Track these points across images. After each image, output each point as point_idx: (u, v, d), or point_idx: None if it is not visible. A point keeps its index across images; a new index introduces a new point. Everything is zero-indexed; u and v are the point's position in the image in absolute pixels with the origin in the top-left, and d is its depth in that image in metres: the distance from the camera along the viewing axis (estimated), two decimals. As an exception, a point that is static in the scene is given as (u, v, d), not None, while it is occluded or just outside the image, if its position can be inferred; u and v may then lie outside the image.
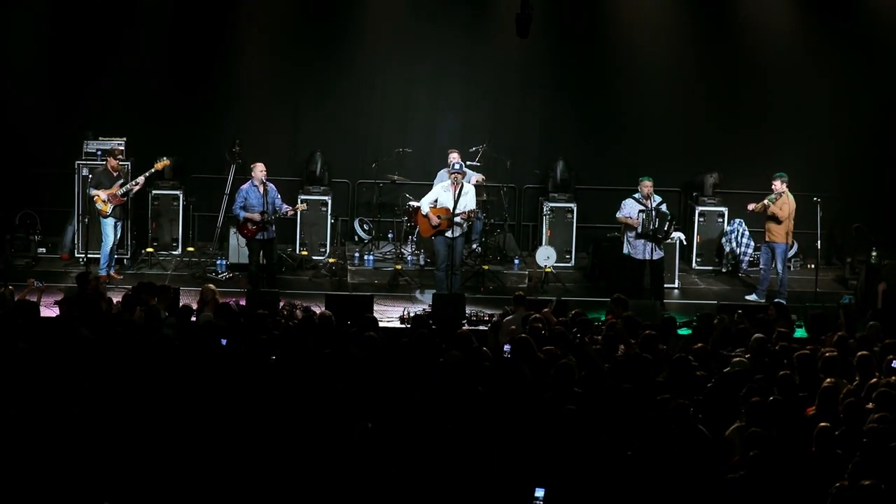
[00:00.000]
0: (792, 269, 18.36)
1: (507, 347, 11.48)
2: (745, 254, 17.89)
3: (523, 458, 8.74)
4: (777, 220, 16.24)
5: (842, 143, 18.90)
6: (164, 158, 16.74)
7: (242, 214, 15.74)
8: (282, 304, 14.29)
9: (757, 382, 10.25)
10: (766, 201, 16.30)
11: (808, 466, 8.81)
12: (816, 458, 8.85)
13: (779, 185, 16.30)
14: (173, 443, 8.84)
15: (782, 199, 16.26)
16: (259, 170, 15.74)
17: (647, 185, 15.86)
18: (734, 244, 17.92)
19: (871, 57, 18.78)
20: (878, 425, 9.00)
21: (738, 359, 11.25)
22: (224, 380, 10.14)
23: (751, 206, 16.53)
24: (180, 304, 13.48)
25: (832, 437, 9.00)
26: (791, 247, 17.12)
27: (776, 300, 14.99)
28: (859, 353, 11.11)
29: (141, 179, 16.31)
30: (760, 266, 16.80)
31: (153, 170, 16.53)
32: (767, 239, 16.47)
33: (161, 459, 8.57)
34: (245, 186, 15.83)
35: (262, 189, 15.64)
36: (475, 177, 17.42)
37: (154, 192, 17.56)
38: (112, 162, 16.35)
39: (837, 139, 18.91)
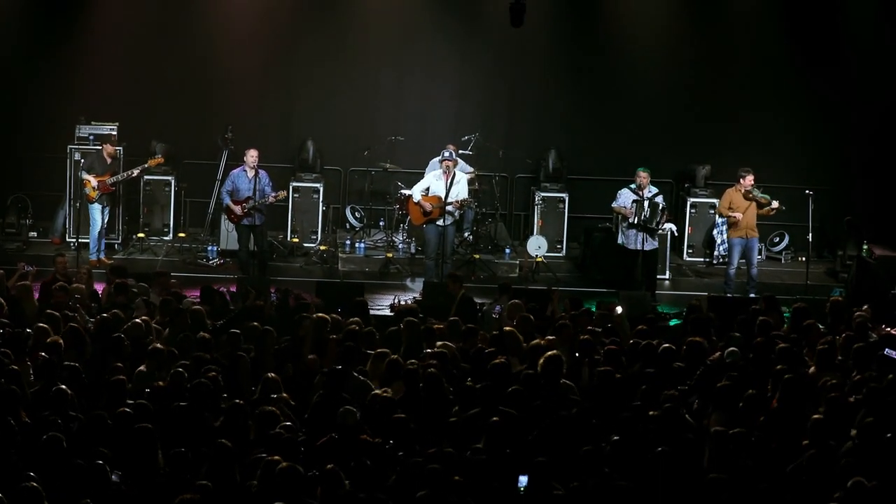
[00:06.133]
0: (783, 261, 18.40)
1: None
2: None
3: (508, 447, 8.78)
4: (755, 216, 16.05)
5: (834, 137, 18.88)
6: (158, 156, 16.76)
7: (227, 200, 15.76)
8: (273, 290, 14.27)
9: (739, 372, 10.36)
10: (765, 205, 15.88)
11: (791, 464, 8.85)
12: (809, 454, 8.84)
13: (751, 180, 15.95)
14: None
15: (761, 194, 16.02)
16: (250, 156, 15.76)
17: (643, 175, 15.85)
18: (725, 236, 17.89)
19: (864, 49, 18.75)
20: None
21: (730, 349, 11.26)
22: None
23: (737, 215, 15.89)
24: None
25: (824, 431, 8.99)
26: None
27: (765, 294, 14.79)
28: (855, 346, 11.09)
29: (134, 172, 16.32)
30: (731, 266, 16.24)
31: (146, 165, 16.51)
32: (747, 235, 16.02)
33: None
34: (235, 171, 15.86)
35: (251, 174, 15.63)
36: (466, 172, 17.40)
37: (146, 177, 17.51)
38: (108, 149, 16.35)
39: (829, 132, 18.88)
